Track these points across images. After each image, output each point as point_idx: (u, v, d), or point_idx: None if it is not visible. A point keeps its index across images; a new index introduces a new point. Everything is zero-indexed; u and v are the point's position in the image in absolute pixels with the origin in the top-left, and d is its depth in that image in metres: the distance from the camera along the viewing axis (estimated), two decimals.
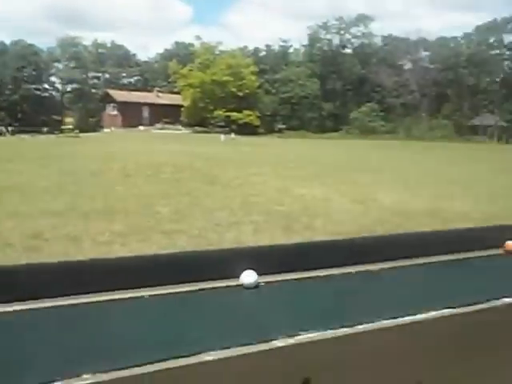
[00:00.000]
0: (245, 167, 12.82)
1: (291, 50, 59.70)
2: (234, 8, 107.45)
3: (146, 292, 1.09)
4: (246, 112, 46.63)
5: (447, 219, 6.12)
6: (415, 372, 0.98)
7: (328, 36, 58.09)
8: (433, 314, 1.00)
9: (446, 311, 1.02)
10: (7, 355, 0.79)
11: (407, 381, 0.98)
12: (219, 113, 46.09)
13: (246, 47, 58.43)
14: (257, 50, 58.33)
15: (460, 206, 7.24)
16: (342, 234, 4.98)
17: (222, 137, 32.16)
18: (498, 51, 55.85)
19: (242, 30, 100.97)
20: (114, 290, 1.10)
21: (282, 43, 58.34)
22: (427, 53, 55.12)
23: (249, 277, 1.12)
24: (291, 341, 0.85)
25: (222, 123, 46.03)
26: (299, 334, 0.86)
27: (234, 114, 45.82)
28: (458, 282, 1.39)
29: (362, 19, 57.14)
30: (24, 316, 0.95)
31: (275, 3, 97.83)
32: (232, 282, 1.14)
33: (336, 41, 58.30)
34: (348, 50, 58.46)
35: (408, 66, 55.41)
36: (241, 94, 47.13)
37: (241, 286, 1.13)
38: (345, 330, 0.90)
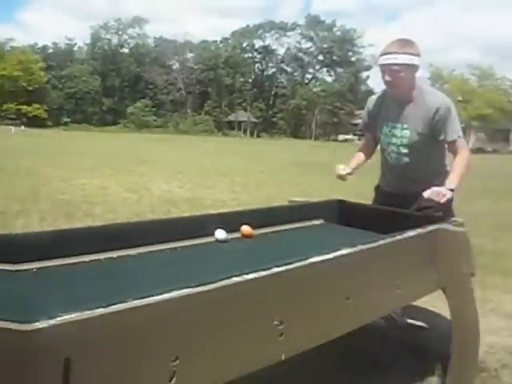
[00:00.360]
0: (33, 158, 11.99)
1: (76, 48, 57.20)
2: (25, 6, 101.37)
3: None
4: (36, 105, 46.18)
5: (206, 206, 6.67)
6: (174, 347, 1.00)
7: (108, 36, 56.44)
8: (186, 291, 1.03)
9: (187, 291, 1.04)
10: None
11: (166, 355, 0.99)
12: (10, 106, 45.16)
13: (36, 44, 55.17)
14: (45, 47, 55.35)
15: (219, 195, 7.80)
16: (118, 219, 5.04)
17: (13, 129, 31.18)
18: (250, 54, 60.24)
19: (32, 27, 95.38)
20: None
21: (67, 41, 56.17)
22: (192, 54, 56.85)
23: None
24: (52, 322, 0.84)
25: (13, 116, 44.50)
26: (59, 316, 0.85)
27: (24, 108, 45.41)
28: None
29: (138, 21, 56.88)
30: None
31: (62, 2, 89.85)
32: None
33: (115, 40, 56.70)
34: (125, 50, 57.26)
35: (176, 65, 56.68)
36: (31, 88, 46.36)
37: None
38: (106, 309, 0.90)
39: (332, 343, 1.36)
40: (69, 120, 50.24)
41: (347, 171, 2.31)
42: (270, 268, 1.21)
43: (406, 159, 2.24)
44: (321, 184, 8.85)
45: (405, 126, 2.20)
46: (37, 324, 0.83)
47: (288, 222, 2.24)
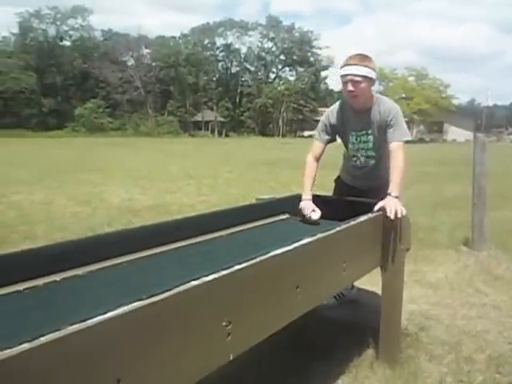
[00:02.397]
0: None
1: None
2: None
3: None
4: None
5: (173, 212, 6.54)
6: (113, 369, 1.01)
7: (42, 26, 53.96)
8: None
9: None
10: None
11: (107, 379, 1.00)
12: None
13: None
14: None
15: (186, 199, 7.77)
16: (68, 238, 4.77)
17: None
18: (212, 52, 62.19)
19: None
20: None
21: None
22: (149, 50, 56.88)
23: None
24: None
25: None
26: None
27: None
28: None
29: (80, 11, 54.85)
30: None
31: None
32: None
33: (52, 31, 54.53)
34: (67, 43, 55.40)
35: (131, 62, 56.11)
36: None
37: None
38: (20, 347, 0.86)
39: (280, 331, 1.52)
40: None
41: (314, 209, 2.58)
42: (218, 270, 1.29)
43: (373, 161, 2.70)
44: (289, 179, 9.68)
45: (369, 131, 2.62)
46: None
47: (255, 219, 2.56)
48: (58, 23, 54.63)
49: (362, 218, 2.15)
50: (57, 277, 1.60)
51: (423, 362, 2.43)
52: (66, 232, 5.31)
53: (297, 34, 63.15)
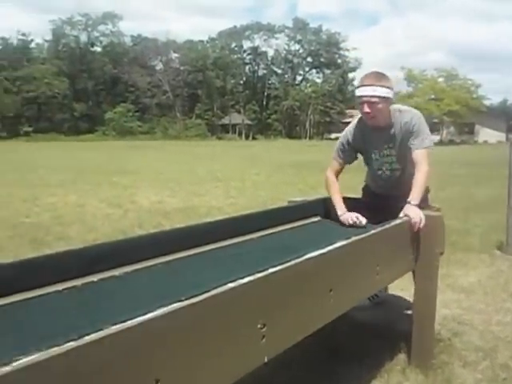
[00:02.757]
0: None
1: (33, 45, 54.17)
2: None
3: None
4: None
5: (202, 214, 6.59)
6: (151, 369, 1.02)
7: (74, 32, 55.10)
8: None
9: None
10: None
11: (144, 380, 1.00)
12: None
13: None
14: None
15: (214, 202, 7.81)
16: (99, 240, 4.85)
17: None
18: (239, 55, 62.37)
19: None
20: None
21: (21, 37, 52.10)
22: (177, 54, 57.39)
23: None
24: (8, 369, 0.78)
25: None
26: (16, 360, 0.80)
27: None
28: None
29: (110, 17, 55.82)
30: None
31: None
32: None
33: (84, 38, 55.67)
34: (97, 48, 56.43)
35: (159, 66, 56.79)
36: None
37: None
38: (67, 345, 0.87)
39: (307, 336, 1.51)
40: (30, 129, 45.67)
41: (357, 216, 2.51)
42: (254, 273, 1.29)
43: (398, 172, 2.63)
44: (317, 182, 9.22)
45: (391, 145, 2.55)
46: None
47: (286, 222, 2.56)
48: (89, 29, 55.71)
49: (396, 221, 2.14)
50: (94, 278, 1.63)
51: (457, 369, 2.37)
52: (97, 233, 5.42)
53: (324, 36, 62.61)
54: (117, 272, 1.70)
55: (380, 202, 2.65)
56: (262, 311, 1.30)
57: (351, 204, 2.62)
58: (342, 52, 62.43)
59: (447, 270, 3.85)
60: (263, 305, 1.32)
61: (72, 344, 0.87)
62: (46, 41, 54.93)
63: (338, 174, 2.72)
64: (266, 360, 1.30)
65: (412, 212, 2.26)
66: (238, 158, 20.13)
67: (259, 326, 1.27)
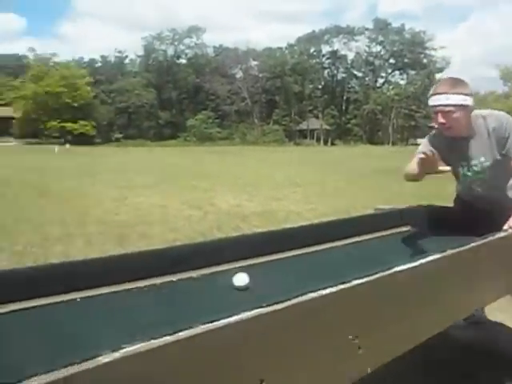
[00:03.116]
0: (80, 177, 12.21)
1: (127, 61, 59.73)
2: (69, 19, 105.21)
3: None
4: (82, 122, 46.14)
5: (280, 219, 6.52)
6: (258, 370, 1.01)
7: (162, 47, 59.03)
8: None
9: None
10: None
11: (251, 380, 0.99)
12: (53, 124, 45.23)
13: (81, 58, 57.56)
14: (92, 60, 57.46)
15: (293, 207, 7.71)
16: (179, 240, 4.93)
17: (56, 148, 30.63)
18: (317, 60, 62.06)
19: (78, 41, 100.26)
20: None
21: (117, 54, 58.29)
22: (256, 62, 58.49)
23: None
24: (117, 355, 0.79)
25: (57, 134, 45.12)
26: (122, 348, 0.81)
27: (69, 125, 45.39)
28: None
29: (194, 30, 58.96)
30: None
31: (109, 14, 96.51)
32: None
33: (171, 51, 59.29)
34: (182, 60, 59.58)
35: (239, 74, 58.06)
36: (76, 104, 46.56)
37: None
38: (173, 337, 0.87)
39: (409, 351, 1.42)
40: (121, 136, 50.37)
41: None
42: (343, 282, 1.23)
43: (494, 190, 2.37)
44: (402, 190, 8.82)
45: (481, 159, 2.29)
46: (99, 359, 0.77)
47: (373, 230, 2.42)
48: (176, 43, 59.08)
49: (500, 234, 1.90)
50: (173, 277, 1.65)
51: None
52: (178, 234, 5.52)
53: (407, 36, 60.15)
54: (195, 274, 1.69)
55: (476, 212, 2.36)
56: (350, 323, 1.24)
57: (442, 213, 2.43)
58: (427, 52, 59.80)
59: None
60: (350, 317, 1.25)
61: (168, 338, 0.86)
62: (139, 56, 59.81)
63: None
64: (369, 371, 1.25)
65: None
66: (316, 163, 19.97)
67: (350, 337, 1.21)
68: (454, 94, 2.12)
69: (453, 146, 2.31)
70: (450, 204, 2.70)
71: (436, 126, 2.30)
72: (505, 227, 2.04)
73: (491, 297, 2.03)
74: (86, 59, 57.33)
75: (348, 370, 1.23)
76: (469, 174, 2.34)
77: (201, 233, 5.54)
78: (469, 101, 2.15)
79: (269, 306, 1.04)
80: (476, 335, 2.77)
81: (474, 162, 2.30)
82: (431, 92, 2.21)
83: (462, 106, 2.13)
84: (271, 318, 1.04)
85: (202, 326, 0.91)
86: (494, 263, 1.90)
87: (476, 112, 2.26)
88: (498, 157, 2.24)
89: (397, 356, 1.39)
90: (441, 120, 2.16)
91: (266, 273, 1.79)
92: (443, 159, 2.34)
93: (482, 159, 2.27)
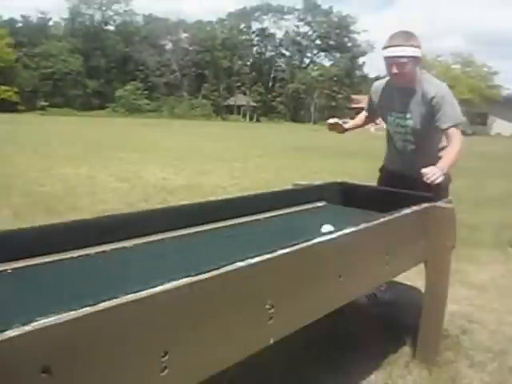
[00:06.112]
0: (2, 146, 11.49)
1: (51, 23, 54.49)
2: None
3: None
4: (4, 87, 41.86)
5: (206, 192, 6.59)
6: (161, 341, 1.01)
7: (89, 11, 54.67)
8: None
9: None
10: None
11: (153, 351, 0.99)
12: None
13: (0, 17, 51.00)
14: (12, 20, 51.41)
15: (218, 181, 7.80)
16: (109, 211, 4.87)
17: None
18: (247, 37, 60.78)
19: None
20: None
21: (40, 15, 52.89)
22: (186, 34, 56.46)
23: None
24: (27, 328, 0.80)
25: None
26: (36, 321, 0.82)
27: None
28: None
29: None
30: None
31: None
32: None
33: (98, 16, 55.14)
34: (110, 27, 55.83)
35: (169, 46, 56.02)
36: None
37: None
38: (83, 310, 0.88)
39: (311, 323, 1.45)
40: (46, 104, 46.04)
41: (343, 123, 2.64)
42: (265, 253, 1.27)
43: (412, 146, 2.50)
44: (320, 167, 9.32)
45: (408, 115, 2.41)
46: (7, 333, 0.78)
47: (292, 205, 2.49)
48: (104, 8, 55.09)
49: (407, 210, 2.00)
50: (106, 247, 1.65)
51: (463, 368, 2.21)
52: (107, 205, 5.47)
53: (335, 19, 59.21)
54: (127, 244, 1.71)
55: (395, 184, 2.47)
56: (270, 292, 1.28)
57: (356, 189, 2.54)
58: (351, 35, 59.47)
59: (457, 265, 3.39)
60: (272, 286, 1.29)
61: (88, 309, 0.88)
62: (64, 19, 55.03)
63: (366, 122, 2.79)
64: (271, 342, 1.28)
65: (433, 170, 2.15)
66: (242, 139, 20.05)
67: (267, 306, 1.25)
68: (408, 46, 2.25)
69: (391, 97, 2.48)
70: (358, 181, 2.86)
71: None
72: (423, 170, 2.17)
73: (402, 267, 2.10)
74: (6, 18, 51.23)
75: (256, 340, 1.25)
76: (393, 123, 2.51)
77: (129, 204, 5.53)
78: (419, 53, 2.31)
79: (196, 275, 1.07)
80: (382, 308, 2.85)
81: (400, 115, 2.45)
82: (385, 44, 2.31)
83: (414, 57, 2.28)
84: (190, 288, 1.05)
85: (125, 297, 0.93)
86: (402, 236, 2.00)
87: (427, 76, 2.41)
88: (425, 124, 2.37)
89: (307, 324, 1.44)
90: (395, 71, 2.29)
91: (195, 243, 1.84)
92: (378, 107, 2.60)
93: (409, 115, 2.42)
